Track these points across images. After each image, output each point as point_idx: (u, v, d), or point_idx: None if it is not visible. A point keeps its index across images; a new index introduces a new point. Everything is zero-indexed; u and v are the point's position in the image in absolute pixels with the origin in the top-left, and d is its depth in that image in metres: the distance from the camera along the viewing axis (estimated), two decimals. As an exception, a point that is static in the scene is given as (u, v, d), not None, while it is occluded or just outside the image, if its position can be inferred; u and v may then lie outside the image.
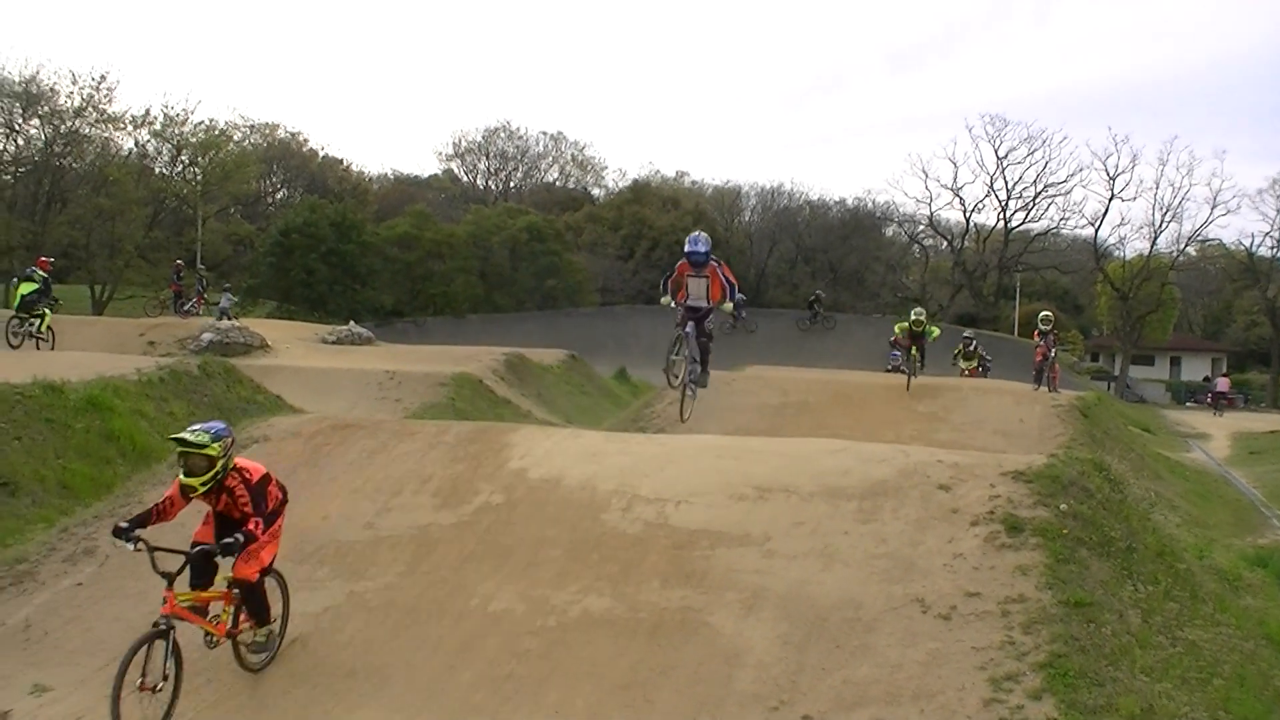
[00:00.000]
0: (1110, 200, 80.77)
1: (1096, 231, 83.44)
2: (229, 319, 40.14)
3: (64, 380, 18.74)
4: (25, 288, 28.32)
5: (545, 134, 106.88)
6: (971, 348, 32.15)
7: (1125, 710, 8.23)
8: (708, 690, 8.90)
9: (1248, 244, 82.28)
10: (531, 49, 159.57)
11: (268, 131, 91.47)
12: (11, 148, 66.09)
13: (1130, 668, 8.82)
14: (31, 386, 18.06)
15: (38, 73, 64.07)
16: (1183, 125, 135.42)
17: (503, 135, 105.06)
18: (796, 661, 9.10)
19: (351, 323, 46.32)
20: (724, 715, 8.62)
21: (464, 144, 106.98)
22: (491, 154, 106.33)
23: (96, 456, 17.71)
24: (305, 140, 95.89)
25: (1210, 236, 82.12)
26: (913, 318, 26.82)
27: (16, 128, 64.60)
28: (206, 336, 34.67)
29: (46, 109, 64.14)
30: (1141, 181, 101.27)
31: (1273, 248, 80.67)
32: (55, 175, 65.73)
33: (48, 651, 10.11)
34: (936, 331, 27.23)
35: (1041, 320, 30.46)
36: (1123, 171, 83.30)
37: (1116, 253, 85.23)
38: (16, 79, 63.05)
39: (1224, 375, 74.65)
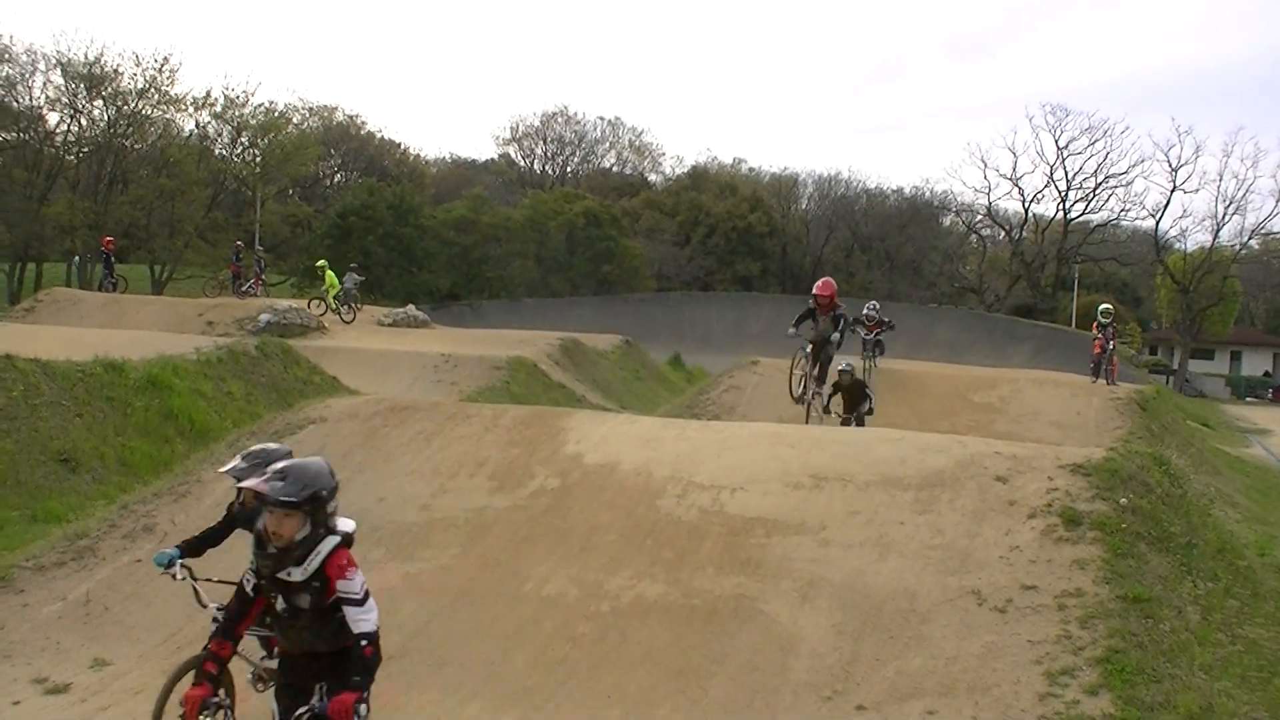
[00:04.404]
0: (1172, 192, 79.99)
1: (1157, 223, 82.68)
2: (352, 301, 39.87)
3: (124, 359, 18.96)
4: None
5: (603, 119, 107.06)
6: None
7: (1184, 707, 8.13)
8: (762, 678, 8.88)
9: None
10: (590, 33, 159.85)
11: (326, 114, 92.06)
12: (75, 128, 66.90)
13: (1189, 665, 8.70)
14: (93, 364, 18.29)
15: (102, 54, 64.75)
16: (1248, 116, 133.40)
17: (560, 120, 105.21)
18: (851, 651, 9.06)
19: (410, 306, 46.37)
20: (778, 704, 8.59)
21: (521, 128, 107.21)
22: (549, 139, 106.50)
23: (156, 434, 17.92)
24: (364, 123, 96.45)
25: (1274, 229, 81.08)
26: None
27: (80, 109, 65.35)
28: (264, 317, 34.93)
29: (110, 90, 64.79)
30: (1205, 173, 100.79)
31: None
32: (118, 156, 66.47)
33: (108, 626, 10.22)
34: None
35: (1101, 313, 30.03)
36: (1185, 163, 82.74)
37: (1177, 245, 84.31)
38: (81, 60, 63.78)
39: None
